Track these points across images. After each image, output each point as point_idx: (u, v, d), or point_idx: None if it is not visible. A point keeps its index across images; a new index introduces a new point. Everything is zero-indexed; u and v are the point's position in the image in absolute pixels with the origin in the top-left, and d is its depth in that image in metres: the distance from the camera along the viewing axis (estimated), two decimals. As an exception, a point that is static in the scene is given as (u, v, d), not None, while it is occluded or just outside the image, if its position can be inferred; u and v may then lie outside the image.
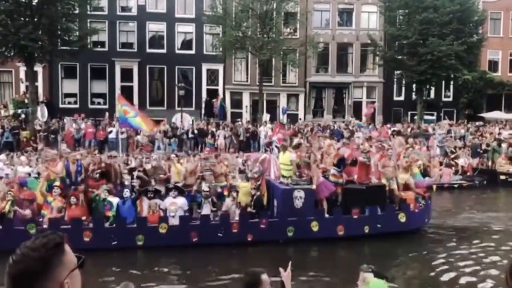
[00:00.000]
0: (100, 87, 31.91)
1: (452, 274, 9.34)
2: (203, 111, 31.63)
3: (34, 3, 24.63)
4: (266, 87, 31.21)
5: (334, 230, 11.56)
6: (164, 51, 31.92)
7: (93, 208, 11.36)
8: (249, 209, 11.80)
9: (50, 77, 30.87)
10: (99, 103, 31.79)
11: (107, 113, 27.81)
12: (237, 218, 11.50)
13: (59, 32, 26.18)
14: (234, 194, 12.12)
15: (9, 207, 10.73)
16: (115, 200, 11.38)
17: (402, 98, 34.66)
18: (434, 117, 32.82)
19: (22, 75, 29.68)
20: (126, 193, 11.44)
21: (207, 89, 32.58)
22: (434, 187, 20.33)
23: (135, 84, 31.79)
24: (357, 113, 32.97)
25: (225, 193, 12.58)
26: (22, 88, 29.80)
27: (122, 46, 31.90)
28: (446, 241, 12.08)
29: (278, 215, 11.62)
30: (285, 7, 30.16)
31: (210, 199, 11.89)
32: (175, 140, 23.91)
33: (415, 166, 13.91)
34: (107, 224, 10.95)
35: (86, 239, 10.47)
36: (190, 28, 32.29)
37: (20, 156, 18.07)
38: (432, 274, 9.49)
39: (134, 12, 31.93)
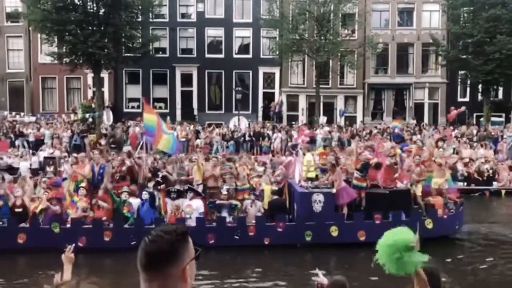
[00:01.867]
0: (161, 91, 33.03)
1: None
2: (260, 114, 31.90)
3: (101, 13, 26.00)
4: (323, 89, 30.96)
5: (355, 235, 11.17)
6: (222, 56, 32.53)
7: (113, 209, 11.64)
8: (258, 212, 11.72)
9: (115, 83, 32.36)
10: (160, 107, 32.84)
11: (168, 117, 28.73)
12: (253, 221, 11.39)
13: (123, 40, 27.42)
14: (253, 197, 12.03)
15: (41, 207, 11.28)
16: (135, 202, 11.64)
17: (467, 99, 33.08)
18: (502, 119, 31.04)
19: (89, 81, 31.35)
20: (145, 195, 11.66)
21: (264, 93, 32.83)
22: (503, 192, 19.30)
23: (195, 88, 32.63)
24: (418, 115, 31.92)
25: (246, 195, 12.35)
26: (90, 93, 31.45)
27: (182, 52, 32.85)
28: (476, 250, 11.40)
29: (296, 218, 11.44)
30: (343, 8, 29.80)
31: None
32: (233, 143, 24.27)
33: (448, 171, 13.13)
34: (126, 225, 11.25)
35: (107, 238, 10.92)
36: (248, 32, 32.70)
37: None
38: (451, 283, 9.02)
39: (193, 18, 32.81)
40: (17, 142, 23.51)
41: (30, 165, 19.54)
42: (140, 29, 28.72)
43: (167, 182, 12.40)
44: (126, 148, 19.95)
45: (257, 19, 31.38)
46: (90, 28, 25.79)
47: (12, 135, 24.27)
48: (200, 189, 12.47)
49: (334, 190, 11.46)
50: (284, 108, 31.93)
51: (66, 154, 20.32)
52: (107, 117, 25.57)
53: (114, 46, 26.28)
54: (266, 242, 10.93)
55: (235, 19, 32.57)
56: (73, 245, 3.67)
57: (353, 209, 11.93)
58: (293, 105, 32.78)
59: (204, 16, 32.49)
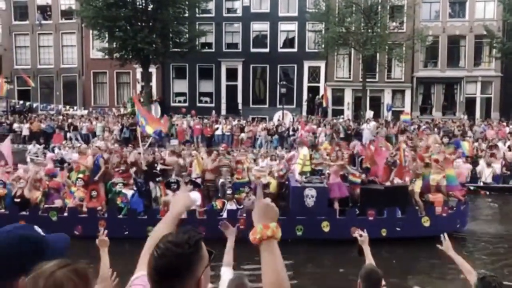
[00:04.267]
0: (207, 86, 33.48)
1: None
2: (304, 109, 31.73)
3: (149, 9, 26.64)
4: (370, 83, 30.37)
5: (347, 231, 10.78)
6: (267, 50, 32.54)
7: (108, 200, 11.99)
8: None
9: (163, 78, 33.09)
10: (206, 102, 33.39)
11: (213, 111, 29.19)
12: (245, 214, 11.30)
13: (171, 35, 27.98)
14: (247, 189, 12.03)
15: (41, 198, 11.71)
16: (129, 193, 11.97)
17: (523, 93, 31.53)
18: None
19: (138, 76, 32.25)
20: (134, 186, 12.10)
21: (309, 87, 32.60)
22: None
23: (239, 83, 32.85)
24: (469, 110, 30.73)
25: (245, 190, 12.28)
26: (138, 88, 32.35)
27: (228, 46, 33.11)
28: (471, 250, 10.89)
29: (287, 213, 11.22)
30: (391, 0, 29.06)
31: (234, 200, 11.76)
32: (277, 137, 24.28)
33: (451, 168, 12.49)
34: (120, 215, 11.53)
35: (101, 228, 11.19)
36: (293, 26, 32.52)
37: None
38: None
39: (239, 13, 32.98)
40: (70, 135, 24.54)
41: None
42: (187, 25, 29.22)
43: (166, 175, 12.77)
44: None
45: (302, 12, 31.14)
46: (139, 24, 26.49)
47: (66, 128, 25.38)
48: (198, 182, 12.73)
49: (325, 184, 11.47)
50: (329, 101, 31.61)
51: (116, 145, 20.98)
52: (155, 111, 26.21)
53: (162, 42, 26.86)
54: None
55: (281, 13, 32.46)
56: (103, 230, 3.79)
57: (349, 205, 11.81)
58: (338, 99, 32.38)
59: (249, 11, 32.58)
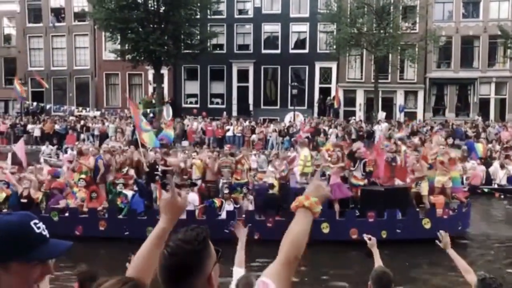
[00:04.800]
0: (218, 87, 33.54)
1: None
2: (315, 110, 31.62)
3: (161, 10, 26.78)
4: (382, 84, 30.16)
5: (347, 233, 10.83)
6: (278, 51, 32.49)
7: (109, 200, 12.06)
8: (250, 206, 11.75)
9: (174, 79, 33.22)
10: (217, 103, 33.43)
11: (224, 113, 29.24)
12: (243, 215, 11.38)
13: (182, 37, 28.10)
14: (245, 190, 12.08)
15: (42, 197, 11.85)
16: (130, 193, 12.03)
17: (538, 94, 31.10)
18: None
19: (150, 77, 32.42)
20: (134, 187, 12.17)
21: (320, 88, 32.48)
22: None
23: (251, 84, 32.85)
24: (483, 111, 30.36)
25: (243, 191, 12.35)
26: (150, 89, 32.52)
27: (239, 48, 33.13)
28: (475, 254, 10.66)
29: (287, 214, 11.12)
30: (404, 0, 28.84)
31: (231, 200, 11.81)
32: (288, 138, 24.21)
33: (455, 171, 12.32)
34: (120, 216, 11.60)
35: (101, 228, 11.34)
36: (304, 27, 32.44)
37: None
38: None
39: (250, 14, 32.98)
40: (82, 136, 24.74)
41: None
42: (198, 26, 29.31)
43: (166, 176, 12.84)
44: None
45: (314, 13, 31.04)
46: (151, 25, 26.64)
47: (78, 129, 25.60)
48: (198, 184, 12.78)
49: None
50: (341, 103, 31.48)
51: (127, 147, 21.09)
52: (167, 113, 26.31)
53: (173, 43, 27.00)
54: (256, 237, 10.59)
55: (292, 14, 32.40)
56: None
57: (349, 206, 11.74)
58: (350, 101, 32.21)
59: (261, 12, 32.57)
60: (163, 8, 26.97)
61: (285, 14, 32.24)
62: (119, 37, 27.58)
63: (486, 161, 18.86)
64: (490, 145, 20.83)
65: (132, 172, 12.92)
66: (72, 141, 23.04)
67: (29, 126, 26.42)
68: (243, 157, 13.44)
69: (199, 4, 28.11)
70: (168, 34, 26.68)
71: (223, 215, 11.50)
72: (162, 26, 26.76)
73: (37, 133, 25.55)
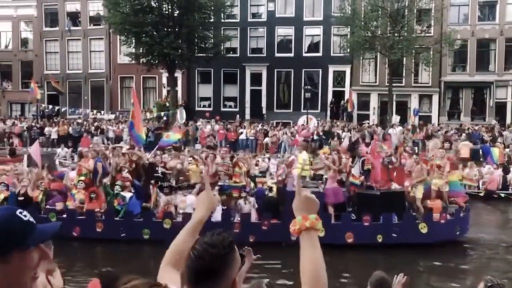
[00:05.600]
0: (231, 91, 33.61)
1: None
2: (329, 113, 31.51)
3: (175, 14, 26.98)
4: (396, 87, 29.94)
5: (342, 237, 10.71)
6: (291, 54, 32.47)
7: (107, 202, 12.01)
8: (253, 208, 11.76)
9: (188, 82, 33.38)
10: (230, 106, 33.50)
11: (237, 116, 29.28)
12: (239, 218, 11.33)
13: (196, 40, 28.27)
14: (244, 194, 11.99)
15: (42, 197, 11.90)
16: (128, 195, 11.95)
17: (557, 97, 30.57)
18: None
19: (164, 80, 32.63)
20: (132, 189, 12.13)
21: (333, 91, 32.36)
22: None
23: (264, 88, 32.86)
24: (500, 115, 29.95)
25: (235, 194, 12.17)
26: (164, 92, 32.72)
27: (252, 51, 33.19)
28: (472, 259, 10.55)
29: (282, 217, 11.02)
30: (418, 3, 28.61)
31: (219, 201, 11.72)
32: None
33: (455, 174, 12.13)
34: (117, 217, 11.57)
35: (98, 229, 11.36)
36: (318, 30, 32.38)
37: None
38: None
39: (264, 18, 33.04)
40: (96, 139, 24.94)
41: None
42: (212, 30, 29.44)
43: (166, 178, 12.93)
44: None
45: (328, 16, 30.98)
46: (165, 29, 26.85)
47: (93, 132, 25.85)
48: (197, 187, 12.68)
49: (321, 189, 11.27)
50: (355, 107, 31.32)
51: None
52: (181, 116, 26.42)
53: (187, 47, 27.18)
54: (252, 240, 10.41)
55: (306, 17, 32.36)
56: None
57: (346, 210, 11.66)
58: (364, 104, 32.03)
59: (274, 15, 32.59)
60: (177, 12, 27.18)
61: (299, 17, 32.22)
62: (133, 40, 27.84)
63: (504, 166, 18.58)
64: (507, 150, 20.52)
65: (127, 175, 12.90)
66: (87, 144, 23.23)
67: (46, 129, 26.77)
68: (240, 160, 13.40)
69: (212, 8, 28.25)
70: (182, 38, 26.86)
71: (219, 217, 11.41)
72: (176, 29, 26.94)
73: (54, 135, 25.90)
